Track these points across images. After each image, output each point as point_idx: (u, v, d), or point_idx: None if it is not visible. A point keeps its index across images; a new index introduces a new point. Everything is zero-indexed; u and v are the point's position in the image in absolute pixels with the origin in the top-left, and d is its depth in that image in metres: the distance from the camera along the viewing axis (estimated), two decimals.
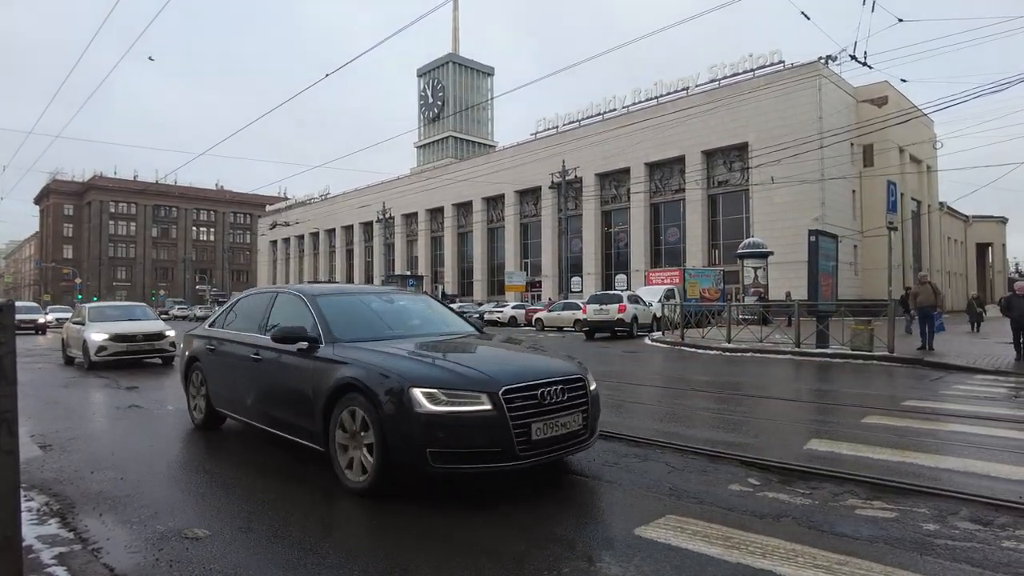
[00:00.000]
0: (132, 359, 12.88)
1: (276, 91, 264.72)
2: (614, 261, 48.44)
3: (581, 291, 40.80)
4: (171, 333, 13.24)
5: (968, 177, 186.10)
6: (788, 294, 27.93)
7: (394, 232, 61.28)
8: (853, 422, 6.60)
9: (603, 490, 4.29)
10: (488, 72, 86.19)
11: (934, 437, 5.94)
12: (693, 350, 16.24)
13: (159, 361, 13.30)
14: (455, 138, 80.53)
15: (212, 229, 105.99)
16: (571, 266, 42.60)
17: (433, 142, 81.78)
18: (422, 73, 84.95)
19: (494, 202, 56.31)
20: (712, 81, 41.53)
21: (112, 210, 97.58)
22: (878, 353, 13.20)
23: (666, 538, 3.30)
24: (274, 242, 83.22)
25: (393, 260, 64.37)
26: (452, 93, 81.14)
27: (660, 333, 20.93)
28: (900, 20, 16.31)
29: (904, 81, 24.52)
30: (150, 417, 7.36)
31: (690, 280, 29.59)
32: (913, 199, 45.71)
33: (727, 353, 15.16)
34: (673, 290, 27.32)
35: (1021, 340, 12.59)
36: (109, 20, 16.36)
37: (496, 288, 54.83)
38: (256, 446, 5.75)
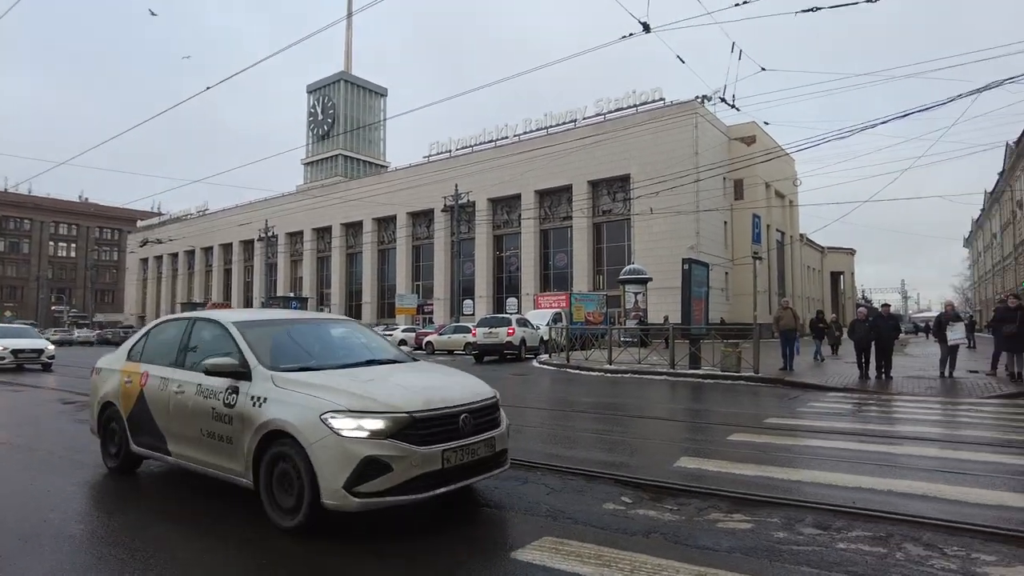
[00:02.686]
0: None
1: (159, 99, 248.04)
2: (505, 285, 49.10)
3: (473, 314, 40.98)
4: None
5: (823, 212, 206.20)
6: (666, 318, 29.45)
7: (277, 251, 58.87)
8: (720, 439, 7.05)
9: (482, 515, 4.31)
10: (381, 92, 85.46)
11: (789, 452, 6.46)
12: (578, 372, 16.72)
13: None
14: (345, 157, 78.87)
15: (73, 245, 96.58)
16: (463, 289, 42.73)
17: (322, 160, 79.63)
18: (312, 89, 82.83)
19: (385, 223, 55.58)
20: (598, 115, 43.55)
21: None
22: (745, 374, 14.19)
23: (542, 560, 3.37)
24: (145, 260, 77.46)
25: (276, 281, 61.75)
26: (343, 111, 79.63)
27: (547, 356, 21.39)
28: (763, 69, 17.88)
29: (767, 123, 26.93)
30: (31, 450, 6.59)
31: (576, 304, 30.55)
32: (777, 230, 49.85)
33: (609, 375, 15.74)
34: (560, 313, 28.06)
35: (863, 360, 14.01)
36: None
37: (386, 311, 53.93)
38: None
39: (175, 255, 73.14)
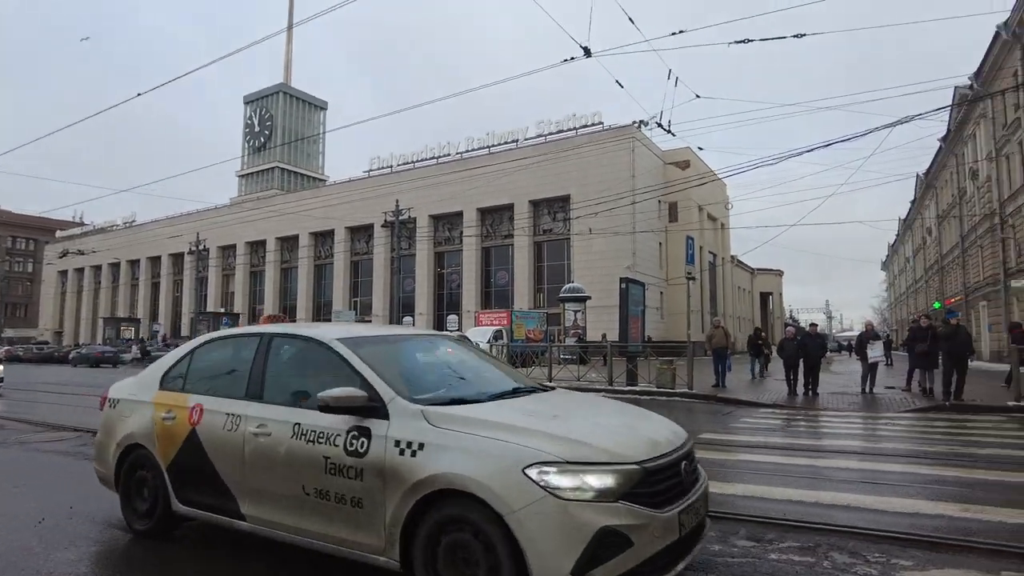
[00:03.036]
0: None
1: (88, 103, 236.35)
2: (446, 302, 48.88)
3: None
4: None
5: (753, 234, 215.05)
6: (604, 335, 29.90)
7: (208, 265, 56.84)
8: None
9: None
10: (321, 106, 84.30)
11: (723, 466, 6.64)
12: None
13: None
14: (282, 169, 77.18)
15: None
16: (403, 306, 42.27)
17: (258, 172, 77.65)
18: (250, 100, 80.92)
19: (323, 238, 54.56)
20: (539, 136, 44.28)
21: None
22: (680, 390, 14.55)
23: None
24: (64, 272, 73.29)
25: (206, 295, 59.50)
26: (281, 123, 78.05)
27: None
28: (698, 96, 18.58)
29: (701, 149, 27.98)
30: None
31: (517, 322, 30.71)
32: (710, 252, 51.59)
33: None
34: (501, 331, 28.13)
35: (791, 377, 14.60)
36: None
37: None
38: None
39: (98, 267, 69.58)
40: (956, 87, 30.98)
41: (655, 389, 14.81)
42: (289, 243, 56.73)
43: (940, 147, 39.56)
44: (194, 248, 48.63)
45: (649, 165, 42.16)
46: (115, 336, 56.34)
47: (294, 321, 51.64)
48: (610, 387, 15.56)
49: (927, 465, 6.64)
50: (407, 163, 50.06)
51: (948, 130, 35.67)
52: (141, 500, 4.22)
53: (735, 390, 15.13)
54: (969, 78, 29.34)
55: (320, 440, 3.28)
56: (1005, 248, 28.35)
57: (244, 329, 4.66)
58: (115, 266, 68.48)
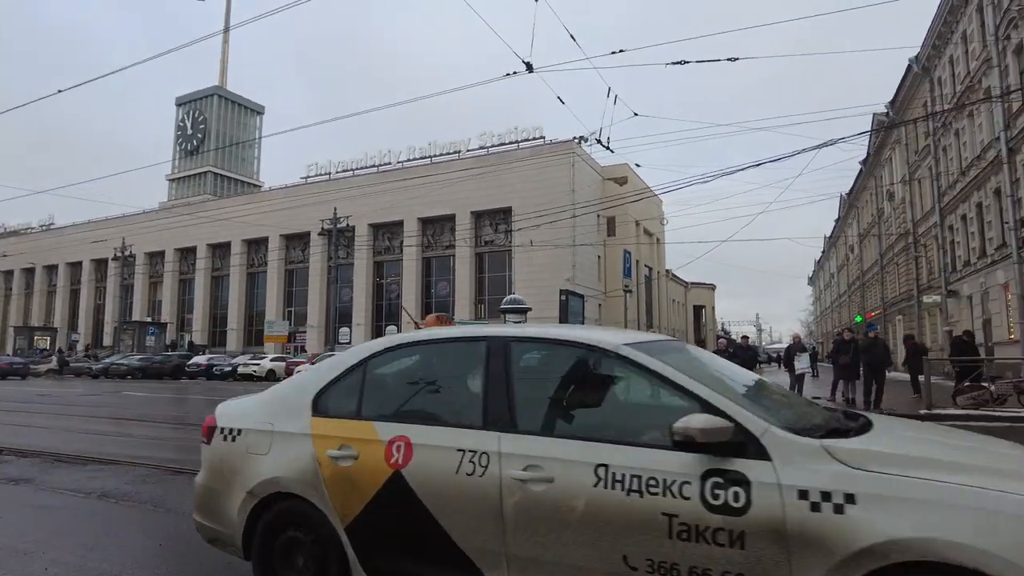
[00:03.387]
0: None
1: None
2: (385, 312, 48.20)
3: (350, 342, 39.77)
4: None
5: (687, 249, 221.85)
6: None
7: (135, 272, 54.29)
8: None
9: None
10: (258, 110, 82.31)
11: None
12: None
13: None
14: (215, 174, 74.77)
15: None
16: (340, 316, 41.46)
17: (190, 176, 75.00)
18: (182, 102, 78.25)
19: (257, 245, 53.00)
20: (481, 148, 44.52)
21: None
22: None
23: None
24: None
25: (131, 304, 56.76)
26: (215, 127, 75.75)
27: None
28: (636, 114, 19.08)
29: (639, 166, 28.72)
30: None
31: None
32: (646, 266, 52.82)
33: None
34: None
35: None
36: None
37: (254, 338, 51.13)
38: None
39: (9, 273, 65.41)
40: (875, 114, 32.92)
41: None
42: (221, 250, 54.85)
43: (861, 169, 41.89)
44: (119, 254, 46.42)
45: (588, 180, 42.93)
46: (27, 346, 52.93)
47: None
48: None
49: None
50: (346, 171, 49.35)
51: (868, 154, 37.83)
52: (292, 571, 3.05)
53: None
54: (886, 106, 31.24)
55: (652, 490, 2.33)
56: (918, 266, 30.22)
57: (450, 331, 3.51)
58: (29, 271, 64.53)
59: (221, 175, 75.80)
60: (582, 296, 18.86)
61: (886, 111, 31.35)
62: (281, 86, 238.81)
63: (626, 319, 18.43)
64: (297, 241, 50.92)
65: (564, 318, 16.60)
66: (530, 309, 31.89)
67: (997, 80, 19.26)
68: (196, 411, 14.23)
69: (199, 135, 75.68)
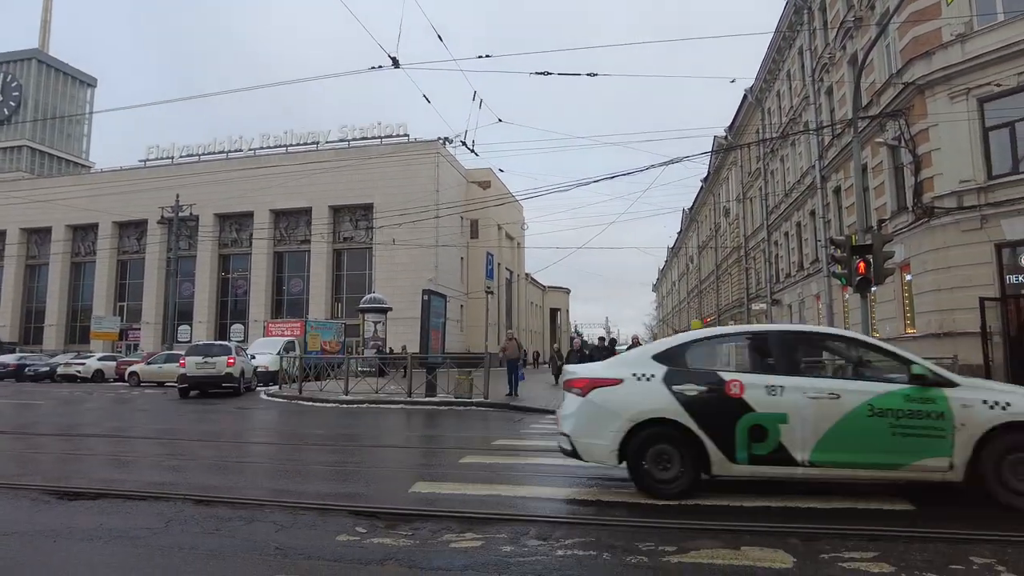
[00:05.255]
0: None
1: None
2: (231, 309, 45.19)
3: (190, 340, 36.73)
4: None
5: (545, 254, 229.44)
6: (404, 347, 29.73)
7: None
8: (453, 462, 7.27)
9: (198, 562, 3.82)
10: (89, 83, 73.95)
11: (514, 470, 6.91)
12: (311, 404, 15.95)
13: None
14: (33, 149, 66.07)
15: None
16: (179, 313, 38.19)
17: (1, 149, 65.65)
18: None
19: (84, 232, 47.60)
20: (342, 140, 43.09)
21: None
22: (476, 399, 14.92)
23: None
24: None
25: None
26: (34, 96, 67.05)
27: (278, 387, 20.05)
28: (500, 120, 19.43)
29: (502, 171, 29.24)
30: None
31: (312, 332, 29.33)
32: (507, 269, 53.91)
33: (344, 405, 15.30)
34: (294, 342, 26.67)
35: None
36: None
37: (79, 335, 45.85)
38: None
39: None
40: (715, 136, 36.06)
41: (453, 399, 15.03)
42: (39, 236, 48.63)
43: (702, 186, 45.67)
44: None
45: (453, 181, 43.03)
46: None
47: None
48: (409, 399, 15.47)
49: None
50: (191, 155, 45.74)
51: (708, 172, 41.33)
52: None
53: (526, 398, 15.88)
54: (725, 130, 34.32)
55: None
56: (748, 276, 33.47)
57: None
58: None
59: (41, 151, 67.06)
60: (444, 296, 18.86)
61: (725, 135, 34.44)
62: (123, 59, 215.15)
63: (487, 320, 18.66)
64: (132, 229, 46.38)
65: (426, 318, 16.48)
66: (390, 309, 31.44)
67: (813, 115, 21.84)
68: None
69: (12, 103, 66.46)
